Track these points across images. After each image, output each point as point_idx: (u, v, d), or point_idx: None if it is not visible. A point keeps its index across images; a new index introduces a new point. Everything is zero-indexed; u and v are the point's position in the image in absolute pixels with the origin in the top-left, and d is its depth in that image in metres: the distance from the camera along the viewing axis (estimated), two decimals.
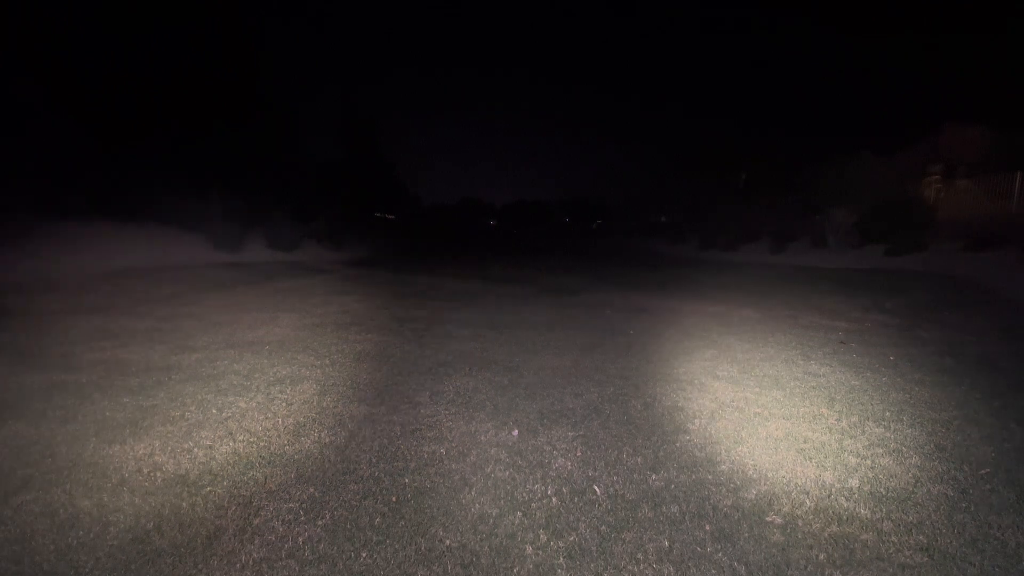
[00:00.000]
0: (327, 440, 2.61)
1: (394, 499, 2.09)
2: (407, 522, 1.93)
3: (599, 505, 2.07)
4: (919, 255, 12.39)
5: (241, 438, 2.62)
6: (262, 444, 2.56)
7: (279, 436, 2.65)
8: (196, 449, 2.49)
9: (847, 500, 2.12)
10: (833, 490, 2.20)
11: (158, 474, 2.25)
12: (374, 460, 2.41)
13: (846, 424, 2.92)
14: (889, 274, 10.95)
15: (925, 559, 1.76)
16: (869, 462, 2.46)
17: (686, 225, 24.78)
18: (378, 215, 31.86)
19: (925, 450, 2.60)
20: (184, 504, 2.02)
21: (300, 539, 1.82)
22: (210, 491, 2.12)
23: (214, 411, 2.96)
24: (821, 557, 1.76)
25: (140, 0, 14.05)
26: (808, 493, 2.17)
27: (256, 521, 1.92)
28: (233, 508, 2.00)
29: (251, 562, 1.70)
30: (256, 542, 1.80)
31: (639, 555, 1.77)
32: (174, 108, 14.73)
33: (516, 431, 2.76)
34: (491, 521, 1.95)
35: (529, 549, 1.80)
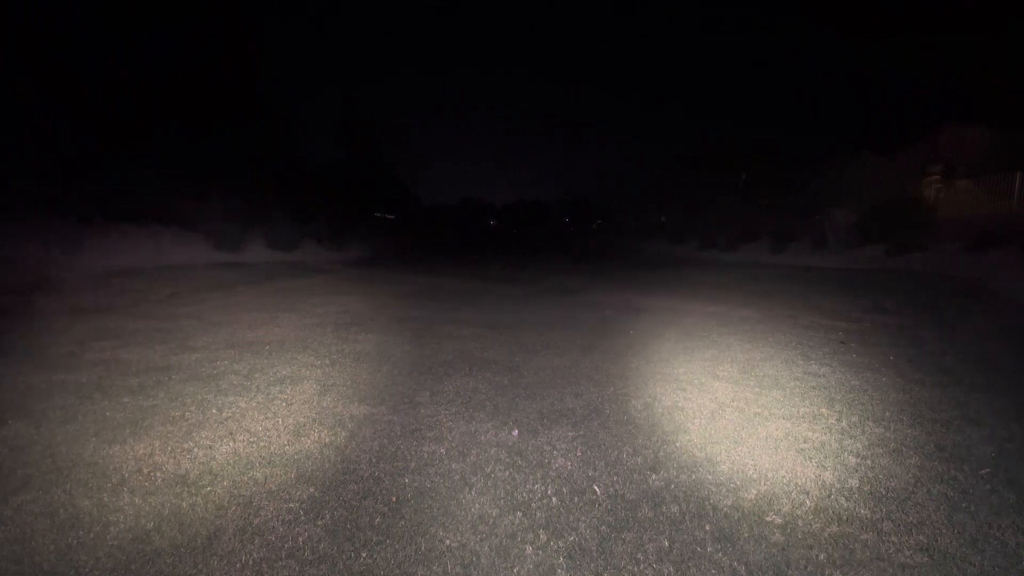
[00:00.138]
0: (327, 440, 2.61)
1: (394, 499, 2.08)
2: (407, 522, 1.93)
3: (599, 505, 2.07)
4: (919, 255, 12.38)
5: (241, 438, 2.62)
6: (262, 444, 2.56)
7: (279, 436, 2.65)
8: (196, 449, 2.49)
9: (847, 500, 2.12)
10: (833, 490, 2.20)
11: (158, 474, 2.25)
12: (374, 460, 2.41)
13: (846, 424, 2.91)
14: (889, 274, 10.95)
15: (925, 559, 1.76)
16: (869, 462, 2.46)
17: (686, 225, 24.77)
18: (378, 215, 31.85)
19: (925, 450, 2.60)
20: (184, 504, 2.02)
21: (300, 539, 1.82)
22: (210, 491, 2.12)
23: (214, 411, 2.96)
24: (821, 557, 1.76)
25: (140, 0, 14.04)
26: (808, 493, 2.17)
27: (256, 521, 1.92)
28: (233, 508, 2.00)
29: (251, 562, 1.70)
30: (256, 542, 1.80)
31: (639, 555, 1.77)
32: (174, 108, 14.74)
33: (516, 431, 2.76)
34: (491, 521, 1.95)
35: (529, 549, 1.80)
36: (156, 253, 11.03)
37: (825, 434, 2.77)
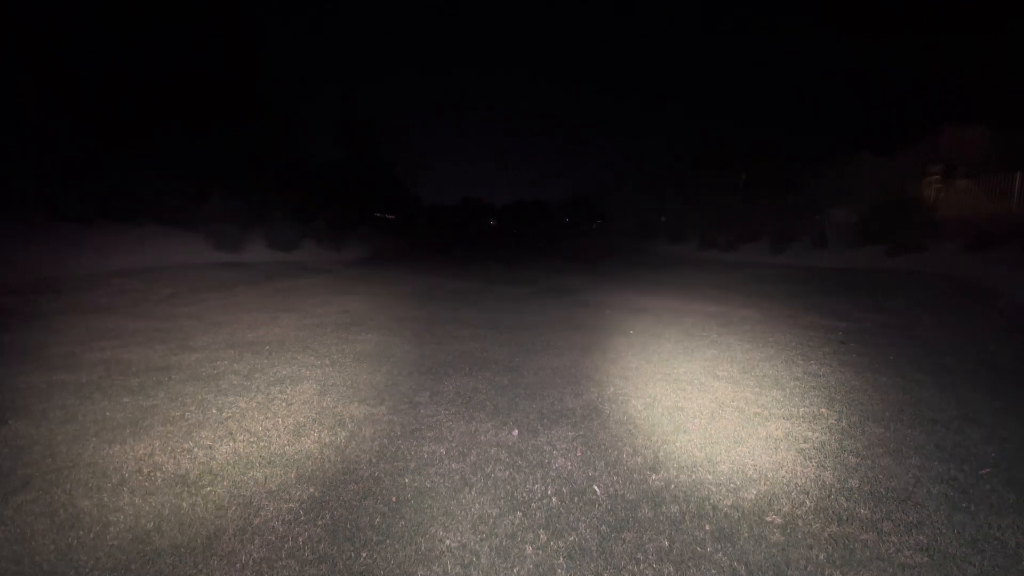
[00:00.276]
0: (327, 440, 2.61)
1: (394, 499, 2.09)
2: (407, 522, 1.93)
3: (599, 505, 2.07)
4: (919, 255, 12.39)
5: (241, 438, 2.62)
6: (262, 444, 2.56)
7: (279, 436, 2.65)
8: (196, 449, 2.49)
9: (847, 500, 2.12)
10: (833, 490, 2.20)
11: (158, 474, 2.25)
12: (374, 460, 2.41)
13: (846, 424, 2.92)
14: (889, 274, 10.95)
15: (925, 559, 1.76)
16: (869, 462, 2.46)
17: (686, 225, 24.78)
18: (378, 215, 31.86)
19: (925, 450, 2.60)
20: (184, 504, 2.02)
21: (300, 539, 1.82)
22: (210, 491, 2.12)
23: (214, 411, 2.96)
24: (821, 557, 1.76)
25: (140, 0, 14.05)
26: (808, 493, 2.17)
27: (256, 521, 1.92)
28: (233, 508, 2.00)
29: (251, 562, 1.70)
30: (256, 542, 1.80)
31: (639, 555, 1.77)
32: (174, 108, 14.75)
33: (516, 431, 2.76)
34: (491, 521, 1.95)
35: (529, 549, 1.80)
36: (156, 253, 11.03)
37: (825, 434, 2.78)
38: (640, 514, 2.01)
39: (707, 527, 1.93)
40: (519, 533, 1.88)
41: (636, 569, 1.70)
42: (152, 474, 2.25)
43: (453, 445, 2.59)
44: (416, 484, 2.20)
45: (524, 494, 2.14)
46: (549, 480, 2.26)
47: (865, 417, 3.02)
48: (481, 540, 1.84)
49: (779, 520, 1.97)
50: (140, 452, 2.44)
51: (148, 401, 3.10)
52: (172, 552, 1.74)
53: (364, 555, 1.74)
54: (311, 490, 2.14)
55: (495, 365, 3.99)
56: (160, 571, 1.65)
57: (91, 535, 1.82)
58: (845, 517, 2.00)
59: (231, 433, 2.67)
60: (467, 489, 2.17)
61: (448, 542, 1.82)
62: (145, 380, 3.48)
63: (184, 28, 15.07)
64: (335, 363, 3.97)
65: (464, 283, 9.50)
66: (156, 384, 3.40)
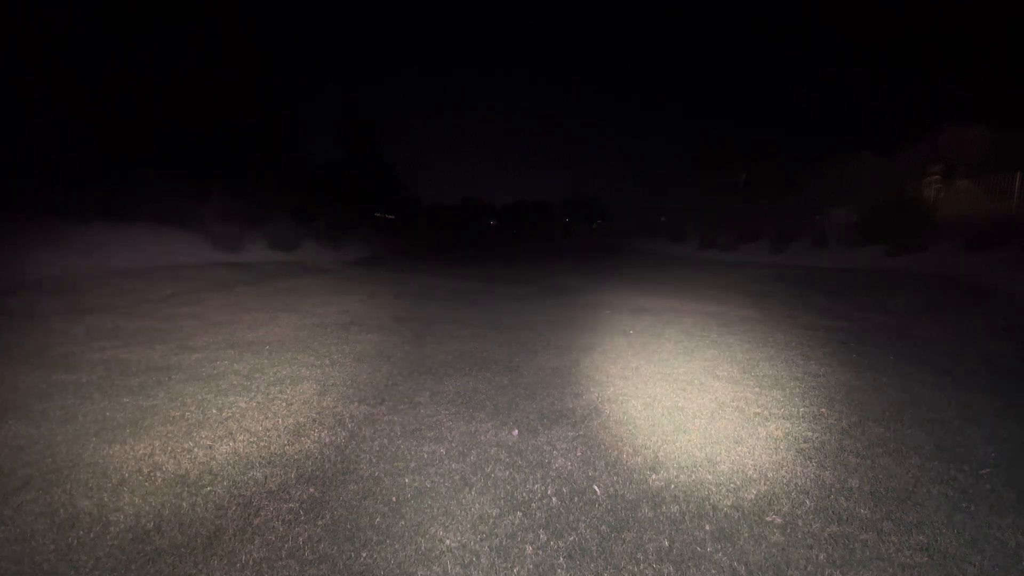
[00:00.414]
0: (327, 440, 2.61)
1: (394, 499, 2.09)
2: (407, 522, 1.93)
3: (599, 505, 2.07)
4: (919, 255, 12.39)
5: (241, 438, 2.62)
6: (262, 444, 2.56)
7: (279, 436, 2.65)
8: (196, 449, 2.49)
9: (847, 500, 2.12)
10: (833, 490, 2.20)
11: (158, 474, 2.25)
12: (374, 460, 2.41)
13: (846, 424, 2.91)
14: (889, 274, 10.95)
15: (925, 559, 1.76)
16: (869, 462, 2.46)
17: (686, 225, 24.78)
18: (378, 215, 31.87)
19: (925, 450, 2.60)
20: (184, 504, 2.02)
21: (300, 539, 1.82)
22: (210, 491, 2.12)
23: (214, 411, 2.96)
24: (821, 557, 1.76)
25: (140, 0, 14.05)
26: (808, 493, 2.17)
27: (256, 521, 1.92)
28: (233, 508, 2.00)
29: (251, 562, 1.70)
30: (256, 542, 1.80)
31: (639, 555, 1.77)
32: (174, 108, 14.75)
33: (516, 431, 2.77)
34: (491, 521, 1.95)
35: (529, 549, 1.80)
36: (156, 253, 11.03)
37: (825, 434, 2.78)
38: (640, 514, 2.01)
39: (707, 527, 1.93)
40: (519, 533, 1.88)
41: (636, 569, 1.70)
42: (152, 474, 2.25)
43: (453, 445, 2.59)
44: (416, 484, 2.20)
45: (524, 494, 2.15)
46: (549, 480, 2.26)
47: (865, 417, 3.02)
48: (481, 540, 1.84)
49: (779, 520, 1.97)
50: (140, 452, 2.44)
51: (148, 401, 3.10)
52: (172, 552, 1.74)
53: (364, 555, 1.74)
54: (311, 490, 2.14)
55: (495, 365, 3.99)
56: (160, 571, 1.65)
57: (91, 535, 1.82)
58: (845, 517, 2.00)
59: (231, 433, 2.67)
60: (467, 489, 2.17)
61: (448, 542, 1.82)
62: (145, 380, 3.48)
63: (184, 28, 15.07)
64: (335, 363, 3.97)
65: (464, 283, 9.50)
66: (156, 384, 3.40)
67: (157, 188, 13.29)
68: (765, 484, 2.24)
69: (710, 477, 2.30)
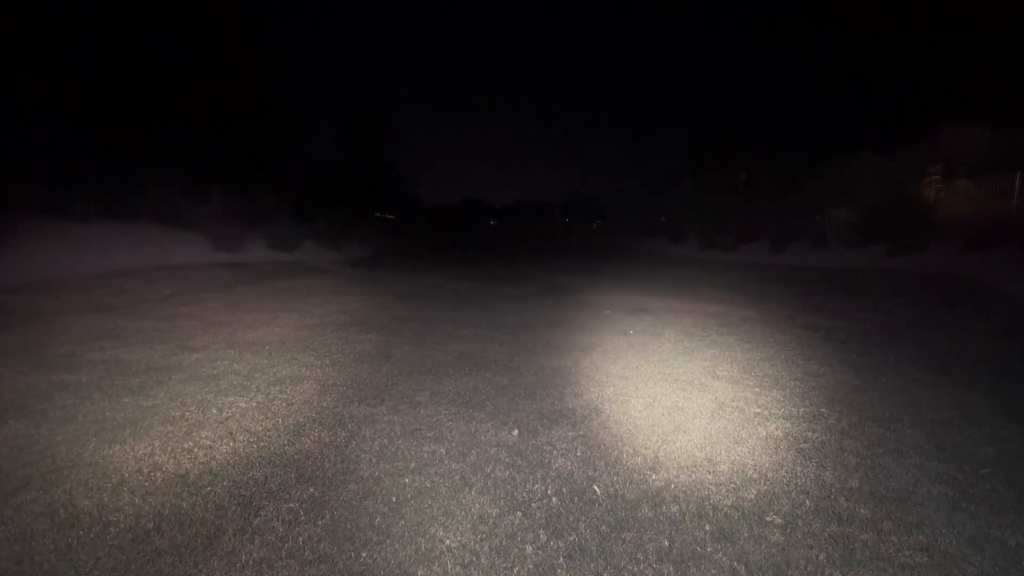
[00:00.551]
0: (327, 440, 2.61)
1: (394, 499, 2.09)
2: (407, 522, 1.93)
3: (599, 505, 2.07)
4: (919, 255, 12.38)
5: (241, 438, 2.62)
6: (262, 444, 2.56)
7: (279, 436, 2.65)
8: (196, 449, 2.49)
9: (847, 500, 2.12)
10: (833, 490, 2.20)
11: (158, 474, 2.25)
12: (374, 460, 2.41)
13: (846, 424, 2.91)
14: (889, 274, 10.95)
15: (925, 559, 1.76)
16: (869, 462, 2.46)
17: (686, 225, 24.78)
18: (378, 215, 31.87)
19: (925, 450, 2.60)
20: (184, 504, 2.02)
21: (300, 539, 1.82)
22: (210, 491, 2.12)
23: (214, 411, 2.96)
24: (821, 557, 1.76)
25: (140, 0, 14.05)
26: (808, 493, 2.17)
27: (256, 521, 1.92)
28: (233, 508, 2.00)
29: (251, 562, 1.70)
30: (256, 542, 1.80)
31: (639, 555, 1.77)
32: (174, 108, 14.75)
33: (516, 431, 2.77)
34: (491, 521, 1.95)
35: (529, 549, 1.80)
36: (156, 253, 11.03)
37: (825, 434, 2.78)
38: (640, 514, 2.01)
39: (707, 527, 1.93)
40: (519, 533, 1.88)
41: (636, 569, 1.70)
42: (152, 474, 2.25)
43: (453, 445, 2.59)
44: (416, 484, 2.20)
45: (524, 494, 2.14)
46: (549, 480, 2.26)
47: (865, 417, 3.02)
48: (481, 540, 1.84)
49: (779, 520, 1.97)
50: (140, 452, 2.44)
51: (148, 401, 3.10)
52: (172, 552, 1.74)
53: (364, 555, 1.74)
54: (311, 490, 2.14)
55: (495, 365, 3.99)
56: (160, 571, 1.65)
57: (91, 535, 1.82)
58: (845, 517, 2.00)
59: (231, 433, 2.67)
60: (467, 489, 2.17)
61: (448, 542, 1.82)
62: (145, 380, 3.48)
63: (184, 28, 15.08)
64: (335, 363, 3.97)
65: (464, 283, 9.50)
66: (156, 384, 3.40)
67: (157, 188, 13.30)
68: (765, 484, 2.24)
69: (710, 477, 2.30)
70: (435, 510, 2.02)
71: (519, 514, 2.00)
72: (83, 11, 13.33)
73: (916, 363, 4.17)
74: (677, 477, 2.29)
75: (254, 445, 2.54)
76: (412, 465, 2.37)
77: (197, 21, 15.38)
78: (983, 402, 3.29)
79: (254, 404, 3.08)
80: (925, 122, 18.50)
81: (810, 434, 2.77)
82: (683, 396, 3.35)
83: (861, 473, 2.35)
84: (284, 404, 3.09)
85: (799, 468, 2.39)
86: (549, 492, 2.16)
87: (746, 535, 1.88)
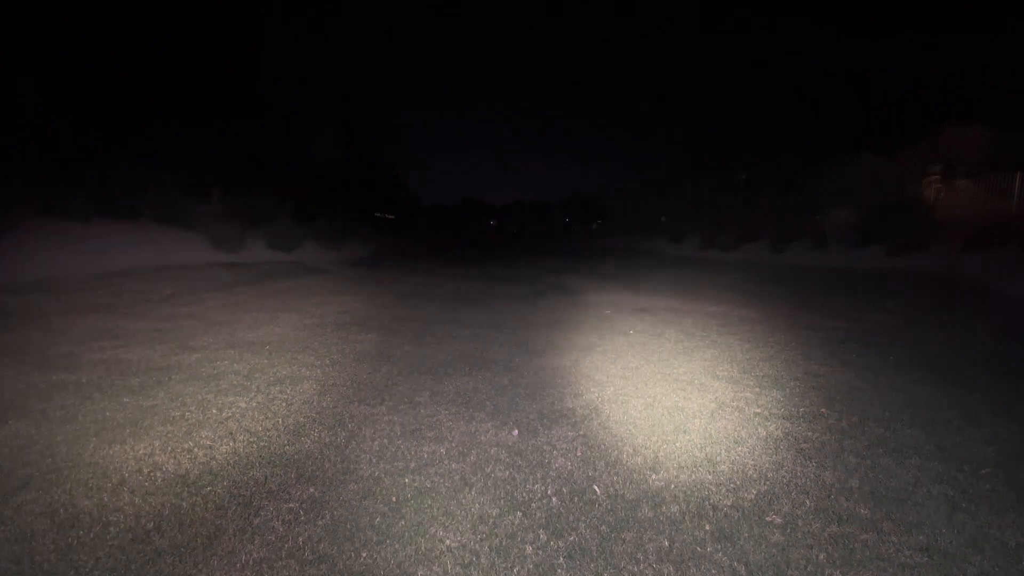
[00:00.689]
0: (327, 440, 2.61)
1: (394, 499, 2.09)
2: (407, 522, 1.93)
3: (599, 505, 2.07)
4: (919, 255, 12.38)
5: (241, 438, 2.62)
6: (262, 444, 2.56)
7: (279, 436, 2.65)
8: (196, 449, 2.49)
9: (847, 500, 2.12)
10: (833, 490, 2.20)
11: (158, 474, 2.25)
12: (374, 460, 2.41)
13: (846, 424, 2.92)
14: (889, 274, 10.95)
15: (925, 559, 1.76)
16: (869, 462, 2.46)
17: (686, 225, 24.78)
18: (378, 215, 31.87)
19: (925, 450, 2.60)
20: (184, 504, 2.02)
21: (300, 539, 1.82)
22: (210, 491, 2.12)
23: (214, 411, 2.96)
24: (821, 557, 1.76)
25: (140, 0, 14.05)
26: (808, 493, 2.17)
27: (256, 521, 1.92)
28: (233, 508, 2.00)
29: (251, 562, 1.70)
30: (256, 542, 1.80)
31: (639, 555, 1.77)
32: (174, 108, 14.75)
33: (516, 431, 2.77)
34: (491, 521, 1.95)
35: (529, 549, 1.80)
36: (156, 253, 11.02)
37: (825, 434, 2.78)
38: (640, 514, 2.01)
39: (707, 527, 1.93)
40: (519, 533, 1.88)
41: (636, 569, 1.70)
42: (152, 474, 2.25)
43: (453, 445, 2.59)
44: (416, 484, 2.20)
45: (524, 494, 2.15)
46: (549, 480, 2.26)
47: (865, 417, 3.02)
48: (481, 540, 1.84)
49: (779, 520, 1.98)
50: (140, 452, 2.44)
51: (148, 401, 3.10)
52: (172, 552, 1.74)
53: (364, 555, 1.74)
54: (311, 490, 2.14)
55: (495, 365, 3.99)
56: (160, 571, 1.65)
57: (91, 535, 1.82)
58: (845, 517, 2.00)
59: (231, 433, 2.67)
60: (467, 489, 2.17)
61: (448, 542, 1.82)
62: (145, 380, 3.48)
63: (184, 28, 15.08)
64: (335, 363, 3.97)
65: (464, 283, 9.50)
66: (156, 384, 3.40)
67: (157, 188, 13.29)
68: (765, 484, 2.24)
69: (710, 477, 2.30)
70: (435, 510, 2.02)
71: (519, 514, 2.00)
72: (83, 11, 13.33)
73: (916, 363, 4.17)
74: (677, 477, 2.29)
75: (254, 445, 2.54)
76: (412, 465, 2.37)
77: (197, 21, 15.39)
78: (983, 402, 3.29)
79: (254, 404, 3.08)
80: (925, 122, 18.52)
81: (810, 434, 2.77)
82: (683, 396, 3.35)
83: (861, 473, 2.35)
84: (284, 404, 3.09)
85: (799, 468, 2.39)
86: (549, 492, 2.16)
87: (746, 535, 1.88)
